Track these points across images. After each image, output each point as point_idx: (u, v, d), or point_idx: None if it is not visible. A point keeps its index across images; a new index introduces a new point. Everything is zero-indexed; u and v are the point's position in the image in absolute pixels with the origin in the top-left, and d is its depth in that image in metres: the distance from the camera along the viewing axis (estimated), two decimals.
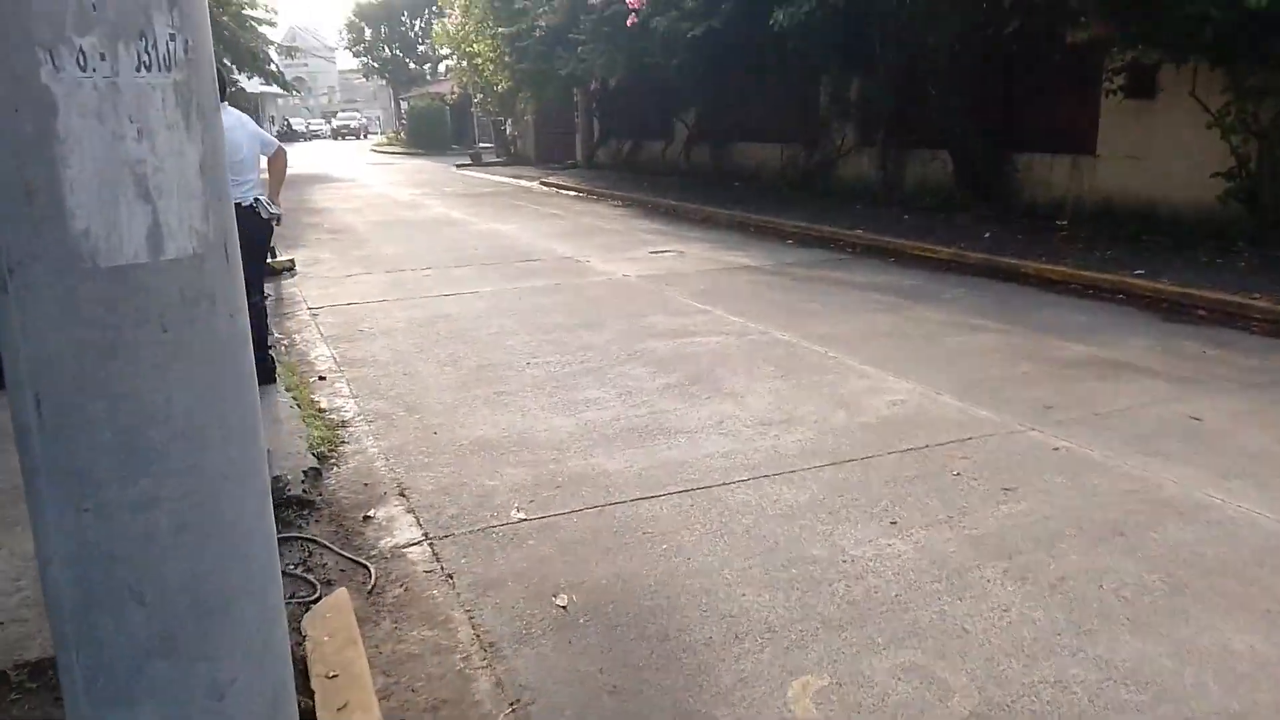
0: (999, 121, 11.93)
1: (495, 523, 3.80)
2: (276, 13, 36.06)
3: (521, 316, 7.58)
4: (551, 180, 21.56)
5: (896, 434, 4.68)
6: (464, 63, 26.05)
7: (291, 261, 10.21)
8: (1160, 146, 9.99)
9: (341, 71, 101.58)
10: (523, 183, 22.49)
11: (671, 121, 20.80)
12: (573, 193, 19.59)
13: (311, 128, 64.96)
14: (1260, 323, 6.78)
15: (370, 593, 3.31)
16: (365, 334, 7.12)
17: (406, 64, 54.55)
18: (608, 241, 11.86)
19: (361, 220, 14.91)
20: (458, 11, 24.25)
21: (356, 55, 55.10)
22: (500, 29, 20.86)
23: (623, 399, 5.36)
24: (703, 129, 19.55)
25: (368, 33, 53.42)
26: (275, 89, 48.72)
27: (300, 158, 36.88)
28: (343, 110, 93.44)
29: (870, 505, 3.87)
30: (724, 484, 4.13)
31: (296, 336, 7.16)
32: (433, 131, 41.20)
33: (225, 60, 33.98)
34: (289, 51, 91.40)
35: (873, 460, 4.35)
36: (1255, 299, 7.02)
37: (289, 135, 58.52)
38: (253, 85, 46.00)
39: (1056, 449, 4.45)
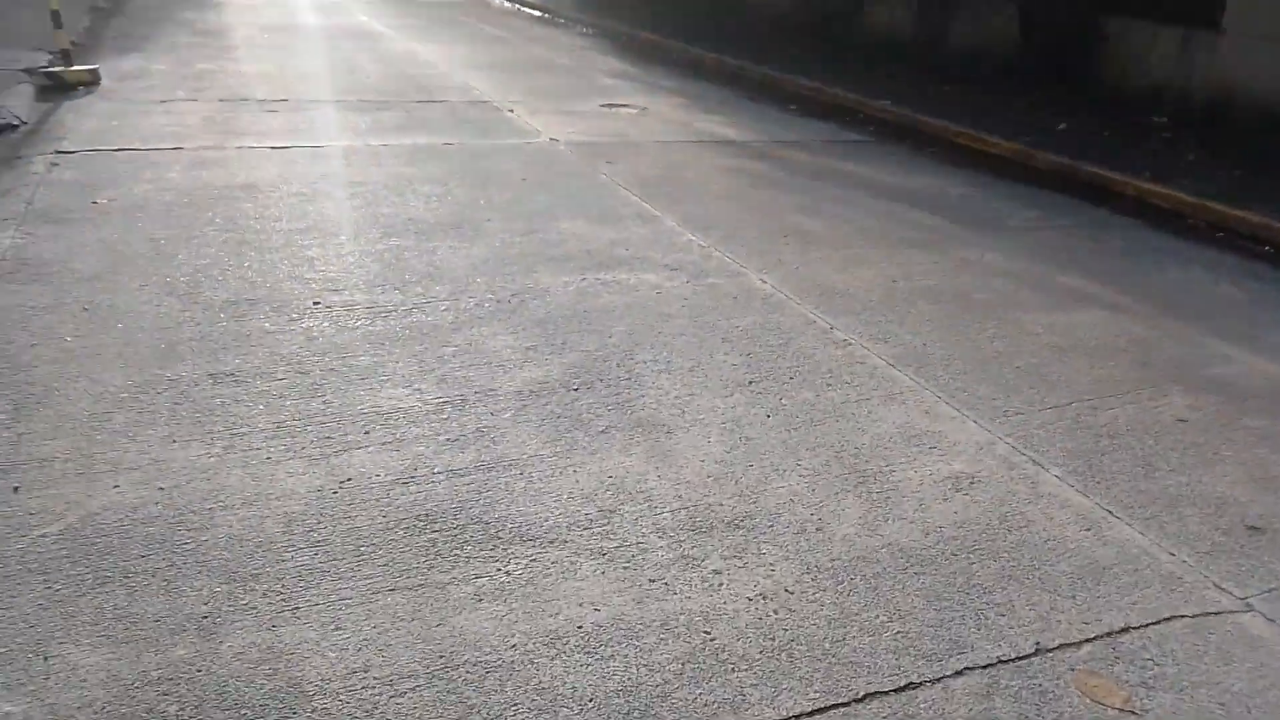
0: None
1: None
2: None
3: (364, 199, 4.87)
4: None
5: (984, 590, 2.21)
6: None
7: (94, 72, 7.24)
8: None
9: None
10: None
11: None
12: (536, 12, 16.14)
13: None
14: None
15: None
16: (96, 210, 4.41)
17: None
18: (551, 84, 8.90)
19: (250, 23, 11.66)
20: None
21: None
22: None
23: (441, 419, 2.81)
24: None
25: None
26: None
27: None
28: None
29: None
30: None
31: None
32: None
33: None
34: None
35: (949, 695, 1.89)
36: None
37: None
38: None
39: None
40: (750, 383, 3.19)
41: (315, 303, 3.56)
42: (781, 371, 3.29)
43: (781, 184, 5.90)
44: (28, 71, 7.18)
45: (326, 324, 3.38)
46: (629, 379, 3.15)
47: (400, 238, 4.34)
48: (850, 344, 3.56)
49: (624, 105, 8.06)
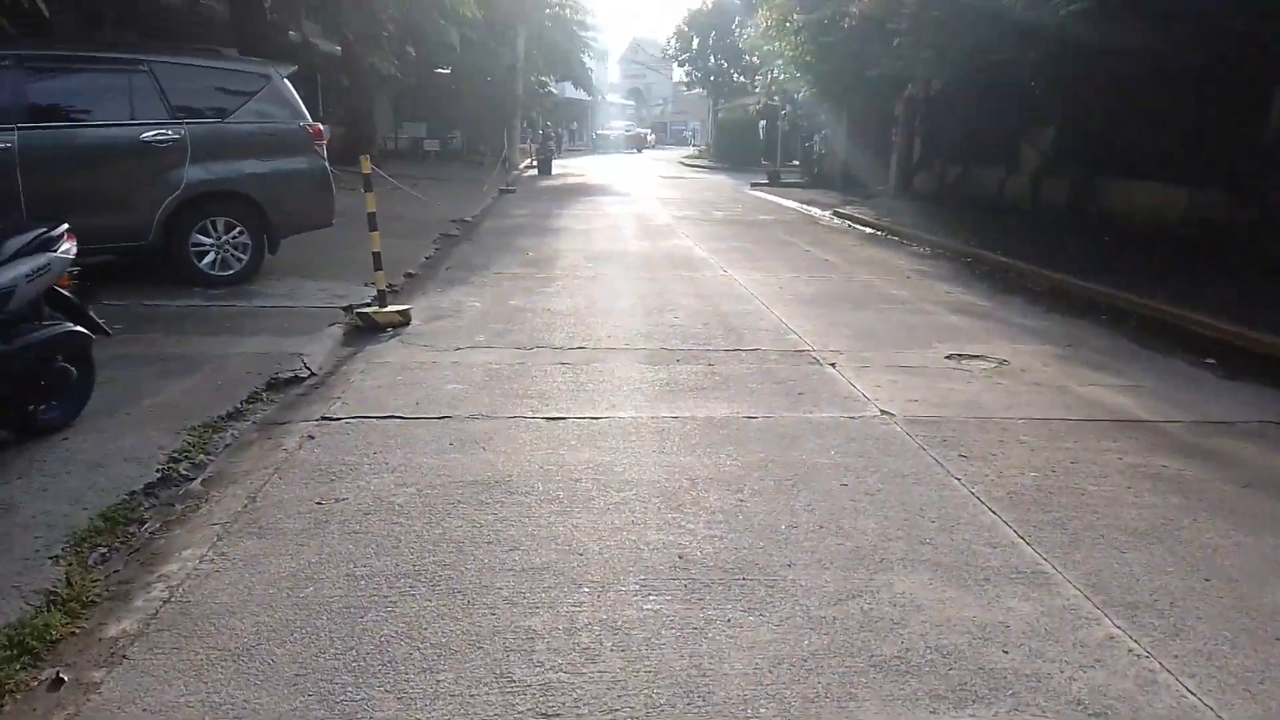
0: None
1: None
2: (590, 14, 35.01)
3: (629, 513, 3.69)
4: (847, 211, 17.27)
5: None
6: (768, 68, 22.42)
7: (405, 314, 7.09)
8: None
9: (676, 83, 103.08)
10: (813, 211, 18.40)
11: (1017, 143, 15.67)
12: (869, 229, 15.21)
13: (599, 134, 64.02)
14: None
15: None
16: (316, 516, 3.63)
17: (731, 74, 52.18)
18: (882, 324, 7.56)
19: (579, 250, 11.75)
20: (765, 7, 20.59)
21: (681, 65, 53.61)
22: (802, 16, 16.88)
23: None
24: (1063, 155, 14.30)
25: (695, 41, 51.67)
26: (590, 95, 48.56)
27: (595, 168, 35.60)
28: (672, 122, 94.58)
29: None
30: None
31: (204, 508, 3.84)
32: (741, 145, 38.18)
33: (539, 66, 33.39)
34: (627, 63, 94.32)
35: None
36: None
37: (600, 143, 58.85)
38: (572, 92, 46.06)
39: None
40: None
41: None
42: None
43: (1238, 509, 3.92)
44: (346, 310, 7.20)
45: None
46: None
47: (661, 595, 3.06)
48: None
49: (976, 356, 6.47)
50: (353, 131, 22.76)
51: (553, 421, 4.84)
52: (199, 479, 4.05)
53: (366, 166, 7.17)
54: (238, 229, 7.83)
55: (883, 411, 5.13)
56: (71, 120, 7.13)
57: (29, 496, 3.61)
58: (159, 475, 3.94)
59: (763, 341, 6.76)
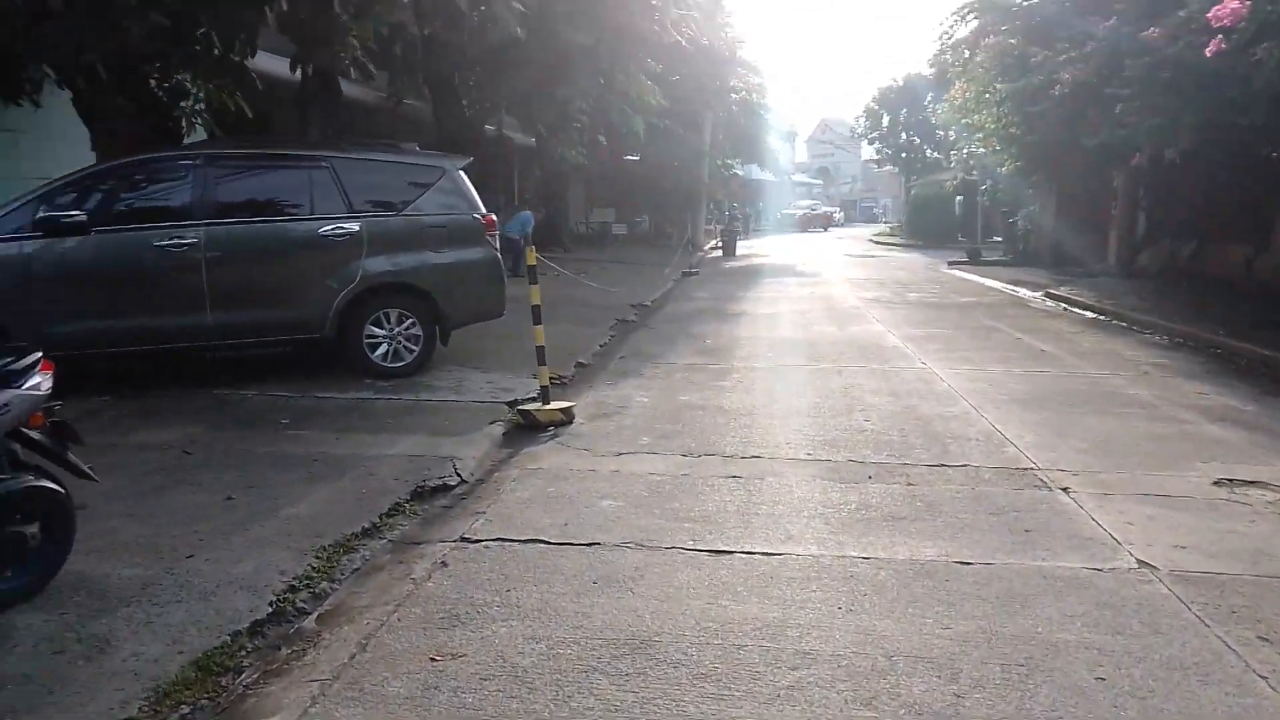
0: None
1: None
2: (764, 90, 34.61)
3: (803, 707, 2.84)
4: (1061, 292, 15.60)
5: None
6: (965, 142, 21.13)
7: (568, 411, 6.61)
8: None
9: (865, 160, 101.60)
10: (1020, 292, 16.80)
11: (1269, 216, 13.63)
12: (1089, 313, 13.56)
13: (784, 214, 61.41)
14: None
15: None
16: (425, 679, 3.05)
17: (923, 149, 50.52)
18: (1122, 434, 6.30)
19: (761, 337, 11.01)
20: (962, 80, 19.42)
21: (871, 142, 52.54)
22: (1005, 86, 15.61)
23: None
24: None
25: (885, 119, 50.58)
26: (775, 176, 48.25)
27: (780, 248, 34.99)
28: (861, 199, 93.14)
29: None
30: None
31: (309, 655, 3.35)
32: (936, 222, 36.37)
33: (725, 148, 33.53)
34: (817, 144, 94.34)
35: None
36: None
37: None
38: (758, 173, 46.09)
39: None
40: None
41: None
42: None
43: None
44: (510, 405, 6.81)
45: None
46: None
47: None
48: None
49: (1254, 483, 5.16)
50: (547, 218, 23.41)
51: (716, 556, 4.08)
52: (315, 614, 3.59)
53: (532, 258, 6.85)
54: (410, 320, 7.70)
55: (1141, 562, 4.01)
56: (253, 216, 7.28)
57: (128, 631, 3.26)
58: (271, 610, 3.51)
59: (973, 455, 5.72)
